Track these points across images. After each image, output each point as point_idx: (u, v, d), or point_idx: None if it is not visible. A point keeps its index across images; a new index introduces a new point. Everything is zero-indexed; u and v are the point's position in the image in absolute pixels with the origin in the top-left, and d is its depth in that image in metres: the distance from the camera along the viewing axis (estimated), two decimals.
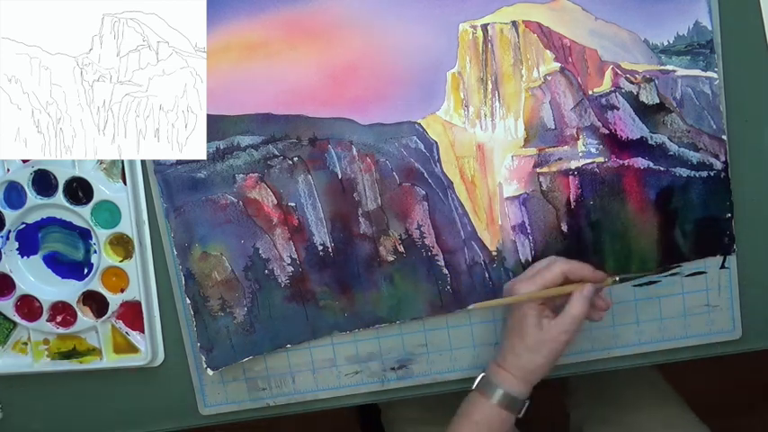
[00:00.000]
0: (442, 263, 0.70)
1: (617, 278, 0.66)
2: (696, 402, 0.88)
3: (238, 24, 0.67)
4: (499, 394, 0.64)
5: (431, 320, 0.73)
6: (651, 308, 0.72)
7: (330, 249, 0.71)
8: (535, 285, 0.63)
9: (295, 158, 0.69)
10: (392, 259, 0.71)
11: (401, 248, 0.70)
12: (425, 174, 0.69)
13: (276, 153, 0.69)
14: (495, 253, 0.70)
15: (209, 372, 0.73)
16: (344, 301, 0.71)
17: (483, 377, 0.66)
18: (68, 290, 0.73)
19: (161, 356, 0.74)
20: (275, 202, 0.70)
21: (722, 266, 0.71)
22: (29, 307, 0.74)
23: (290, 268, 0.71)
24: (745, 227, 0.70)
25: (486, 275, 0.70)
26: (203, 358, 0.73)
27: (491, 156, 0.69)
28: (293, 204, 0.70)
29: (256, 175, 0.70)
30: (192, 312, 0.72)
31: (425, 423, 0.86)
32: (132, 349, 0.74)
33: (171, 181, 0.70)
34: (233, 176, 0.70)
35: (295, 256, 0.71)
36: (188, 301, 0.72)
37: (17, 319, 0.74)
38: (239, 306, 0.72)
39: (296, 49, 0.68)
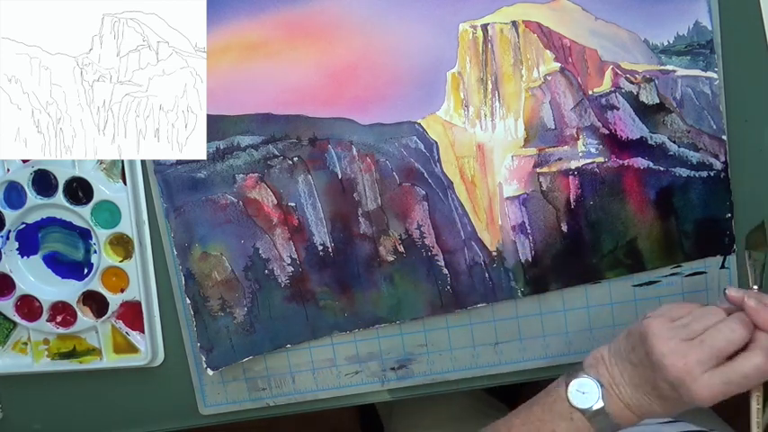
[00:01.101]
0: (441, 263, 0.70)
1: None
2: None
3: (238, 24, 0.67)
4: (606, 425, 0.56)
5: (431, 320, 0.73)
6: (651, 308, 0.71)
7: (330, 249, 0.71)
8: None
9: (295, 158, 0.69)
10: (392, 259, 0.71)
11: (401, 248, 0.70)
12: (425, 174, 0.69)
13: (276, 153, 0.69)
14: (495, 253, 0.70)
15: (209, 372, 0.73)
16: (344, 301, 0.71)
17: (602, 410, 0.56)
18: (68, 290, 0.73)
19: (161, 356, 0.74)
20: (275, 202, 0.70)
21: (722, 266, 0.71)
22: (29, 307, 0.74)
23: (290, 268, 0.71)
24: (745, 227, 0.70)
25: (486, 275, 0.70)
26: (203, 358, 0.73)
27: (491, 156, 0.69)
28: (293, 204, 0.70)
29: (256, 175, 0.70)
30: (192, 312, 0.72)
31: None
32: (132, 349, 0.74)
33: (171, 181, 0.70)
34: (233, 176, 0.70)
35: (295, 256, 0.71)
36: (188, 301, 0.72)
37: (17, 319, 0.74)
38: (239, 306, 0.72)
39: (296, 49, 0.68)
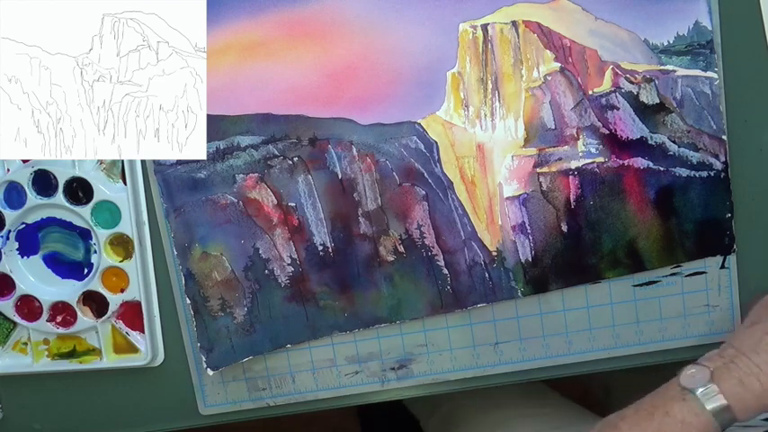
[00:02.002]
0: (442, 263, 0.70)
1: None
2: None
3: (238, 24, 0.67)
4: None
5: (431, 320, 0.73)
6: (651, 308, 0.72)
7: (330, 249, 0.71)
8: None
9: (295, 158, 0.69)
10: (392, 259, 0.71)
11: (401, 248, 0.70)
12: (425, 174, 0.69)
13: (276, 153, 0.69)
14: (495, 253, 0.70)
15: (209, 372, 0.73)
16: (344, 301, 0.71)
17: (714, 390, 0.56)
18: (68, 290, 0.73)
19: (161, 356, 0.74)
20: (275, 202, 0.70)
21: (722, 266, 0.71)
22: (29, 307, 0.74)
23: (290, 268, 0.71)
24: (745, 227, 0.70)
25: (486, 275, 0.70)
26: (203, 358, 0.73)
27: (491, 156, 0.69)
28: (293, 204, 0.70)
29: (256, 175, 0.70)
30: (192, 312, 0.72)
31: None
32: (132, 349, 0.74)
33: (171, 181, 0.70)
34: (233, 176, 0.70)
35: (295, 256, 0.71)
36: (188, 301, 0.72)
37: (17, 319, 0.74)
38: (239, 306, 0.72)
39: (296, 49, 0.68)
